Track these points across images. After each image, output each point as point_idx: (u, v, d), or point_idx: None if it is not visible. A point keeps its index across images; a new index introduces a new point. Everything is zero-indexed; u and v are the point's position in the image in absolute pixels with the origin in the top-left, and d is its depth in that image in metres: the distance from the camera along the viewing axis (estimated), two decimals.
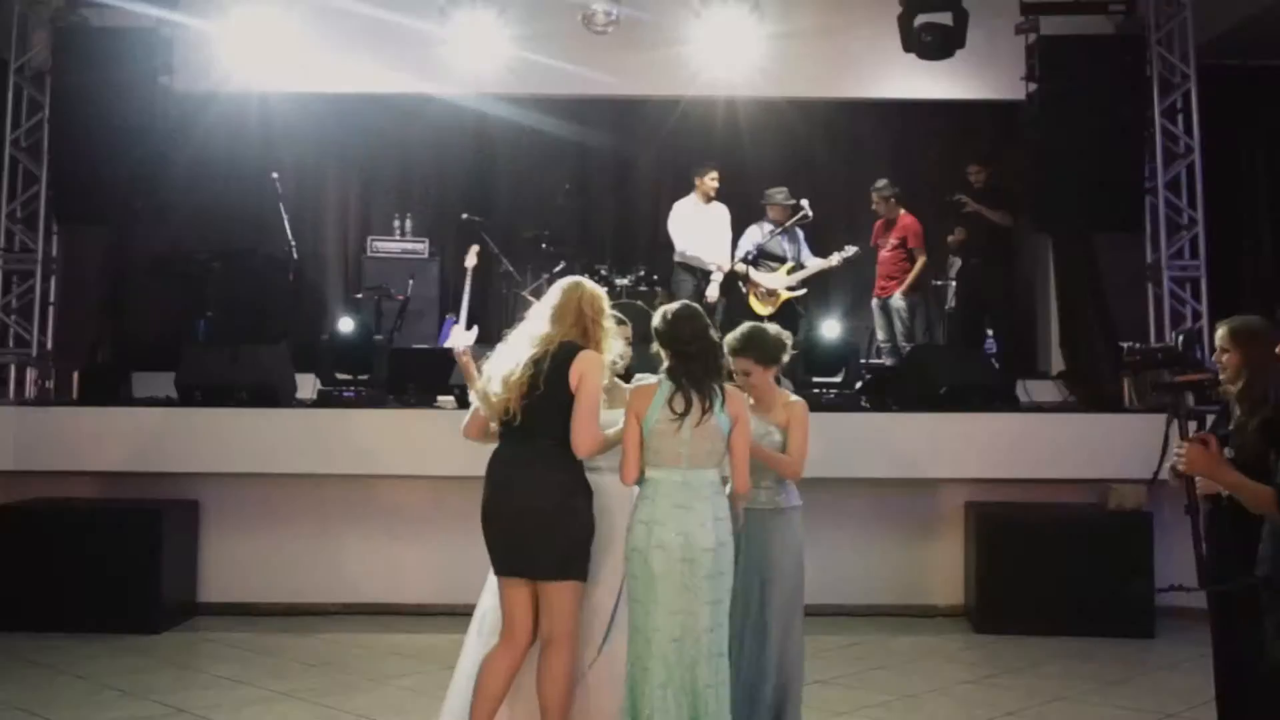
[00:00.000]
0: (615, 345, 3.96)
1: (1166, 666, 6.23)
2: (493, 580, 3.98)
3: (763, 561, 4.18)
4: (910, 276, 8.85)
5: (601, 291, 4.02)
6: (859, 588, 7.01)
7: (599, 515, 3.85)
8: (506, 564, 3.85)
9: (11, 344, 7.98)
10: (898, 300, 8.80)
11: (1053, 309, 8.98)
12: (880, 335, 8.55)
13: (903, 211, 8.86)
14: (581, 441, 3.75)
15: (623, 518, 3.84)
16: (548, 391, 3.77)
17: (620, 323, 4.13)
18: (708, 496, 3.75)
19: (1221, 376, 4.04)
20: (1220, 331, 4.06)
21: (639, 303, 8.05)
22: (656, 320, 3.91)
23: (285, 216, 8.28)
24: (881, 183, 8.97)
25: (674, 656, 3.64)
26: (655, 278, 8.81)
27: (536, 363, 3.82)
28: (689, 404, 3.72)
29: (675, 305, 3.97)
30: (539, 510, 3.76)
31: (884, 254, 9.01)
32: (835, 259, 8.67)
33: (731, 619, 3.84)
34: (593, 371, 3.79)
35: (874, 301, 9.05)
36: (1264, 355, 3.85)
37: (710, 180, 8.76)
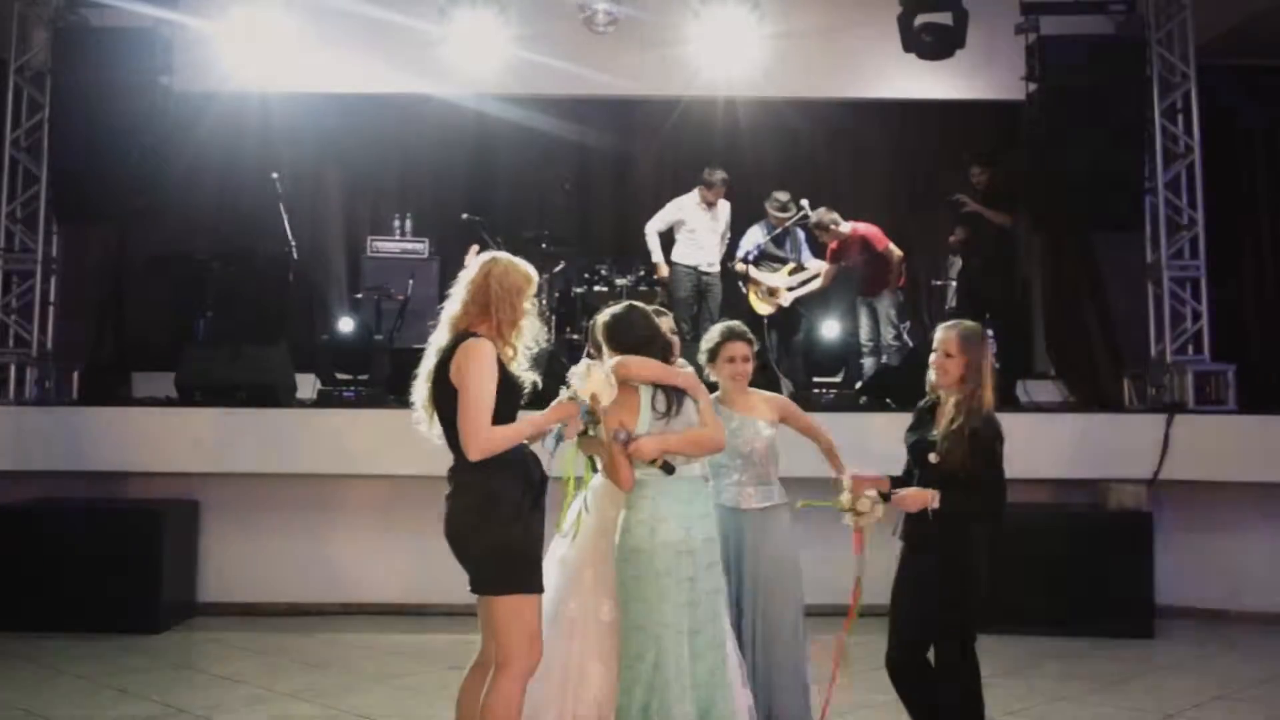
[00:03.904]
0: (528, 331, 3.65)
1: (1166, 666, 6.23)
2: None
3: (763, 560, 4.19)
4: (896, 274, 8.68)
5: (524, 267, 3.68)
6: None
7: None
8: None
9: (11, 344, 7.97)
10: (884, 301, 8.71)
11: (1052, 309, 8.98)
12: (864, 335, 8.50)
13: (850, 228, 8.56)
14: (466, 444, 3.41)
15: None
16: (441, 390, 3.52)
17: (660, 314, 4.12)
18: (698, 490, 3.78)
19: (939, 381, 4.03)
20: (945, 335, 4.04)
21: (640, 303, 8.03)
22: (606, 320, 3.90)
23: (285, 216, 8.27)
24: (815, 218, 8.51)
25: (685, 650, 3.66)
26: (655, 278, 8.80)
27: (440, 353, 3.57)
28: (670, 401, 3.74)
29: (620, 306, 3.97)
30: (450, 535, 3.53)
31: (860, 268, 8.83)
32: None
33: (736, 620, 3.86)
34: (472, 363, 3.44)
35: (859, 301, 8.94)
36: (982, 363, 3.89)
37: (714, 190, 8.69)
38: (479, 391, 3.42)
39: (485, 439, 3.41)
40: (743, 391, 4.35)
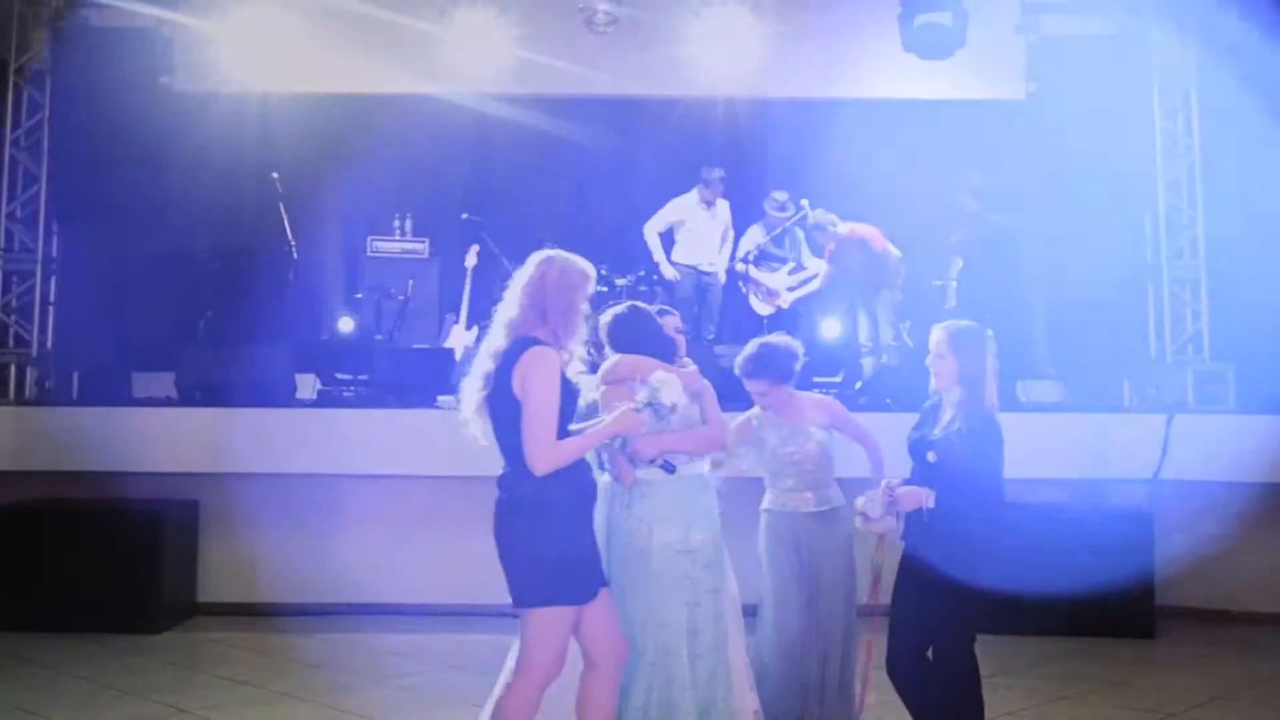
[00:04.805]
0: (583, 332, 3.56)
1: (1166, 666, 6.23)
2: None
3: (823, 564, 4.19)
4: (895, 274, 8.68)
5: (580, 263, 3.55)
6: (858, 587, 7.00)
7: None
8: None
9: (11, 344, 7.98)
10: (883, 301, 8.70)
11: (1052, 310, 8.98)
12: (863, 335, 8.50)
13: (848, 228, 8.59)
14: (532, 459, 3.34)
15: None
16: (500, 398, 3.41)
17: (665, 313, 4.10)
18: (700, 489, 3.78)
19: (935, 381, 4.04)
20: (938, 336, 4.06)
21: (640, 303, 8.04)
22: (608, 319, 3.90)
23: (285, 216, 8.27)
24: (814, 218, 8.50)
25: (685, 650, 3.66)
26: (655, 278, 8.80)
27: (497, 359, 3.45)
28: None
29: (622, 307, 3.96)
30: (500, 544, 3.50)
31: (859, 269, 8.80)
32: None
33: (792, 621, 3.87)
34: (539, 375, 3.34)
35: (858, 301, 8.94)
36: (978, 363, 3.88)
37: (712, 188, 8.70)
38: (545, 405, 3.32)
39: (551, 454, 3.33)
40: (789, 396, 4.28)
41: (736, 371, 4.33)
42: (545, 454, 3.32)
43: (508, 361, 3.39)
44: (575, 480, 3.44)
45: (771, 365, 4.25)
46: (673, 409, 3.54)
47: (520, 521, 3.40)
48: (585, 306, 3.51)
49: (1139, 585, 6.79)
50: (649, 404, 3.52)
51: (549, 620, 3.38)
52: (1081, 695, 5.54)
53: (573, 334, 3.48)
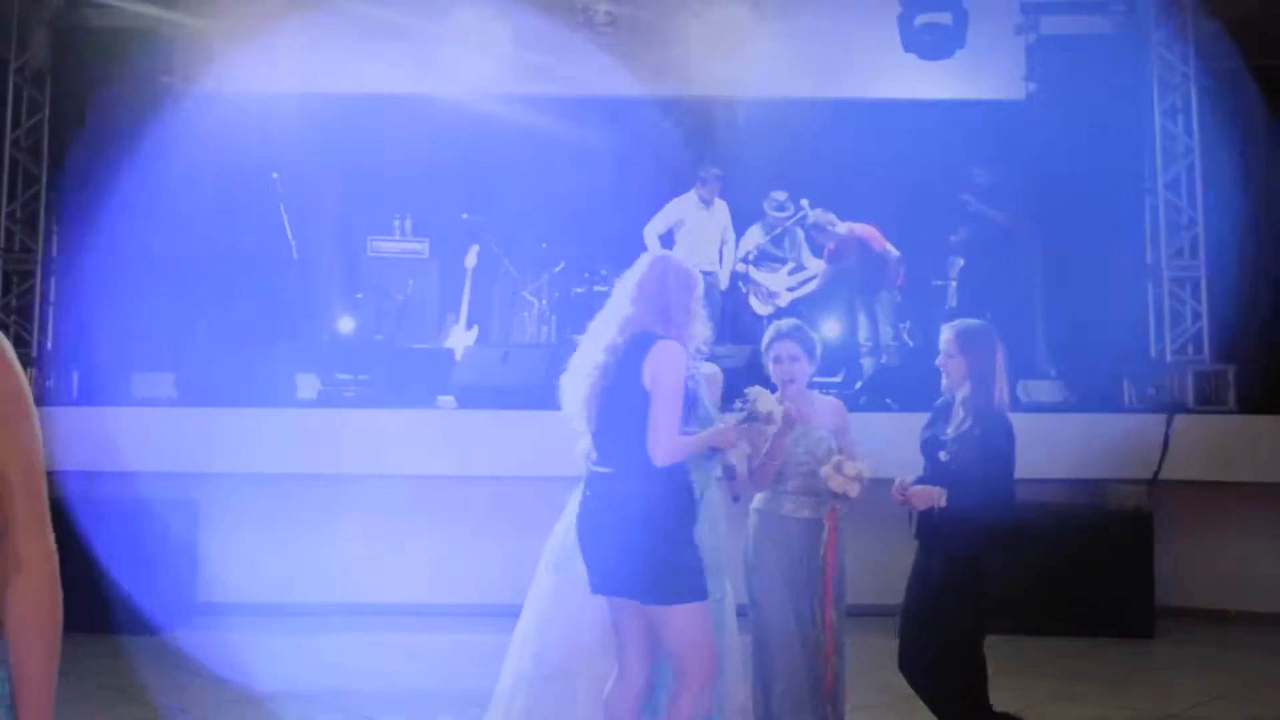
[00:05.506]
0: (700, 331, 3.58)
1: (1166, 666, 6.23)
2: None
3: (815, 567, 4.15)
4: (894, 274, 8.68)
5: (689, 265, 3.65)
6: (857, 587, 6.98)
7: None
8: None
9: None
10: (883, 301, 8.71)
11: (1052, 309, 8.98)
12: (863, 335, 8.50)
13: (847, 228, 8.57)
14: (655, 448, 3.35)
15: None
16: (623, 391, 3.42)
17: None
18: (705, 497, 3.76)
19: (945, 381, 4.05)
20: (947, 336, 4.05)
21: None
22: None
23: (285, 216, 8.27)
24: (813, 218, 8.53)
25: None
26: None
27: (614, 353, 3.47)
28: None
29: None
30: (610, 541, 3.51)
31: (858, 269, 8.81)
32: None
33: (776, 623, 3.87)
34: (671, 368, 3.39)
35: (857, 301, 8.93)
36: (987, 362, 3.88)
37: (709, 186, 8.70)
38: (674, 397, 3.38)
39: (676, 446, 3.38)
40: (799, 396, 4.09)
41: (766, 340, 4.14)
42: (671, 445, 3.36)
43: (634, 355, 3.42)
44: (686, 478, 3.49)
45: (808, 337, 4.16)
46: (769, 419, 3.59)
47: (654, 516, 3.38)
48: (700, 308, 3.58)
49: (1139, 585, 6.80)
50: (747, 416, 3.57)
51: (698, 616, 3.39)
52: (1081, 695, 5.54)
53: (693, 333, 3.53)
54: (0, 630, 1.70)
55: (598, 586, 3.47)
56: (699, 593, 3.40)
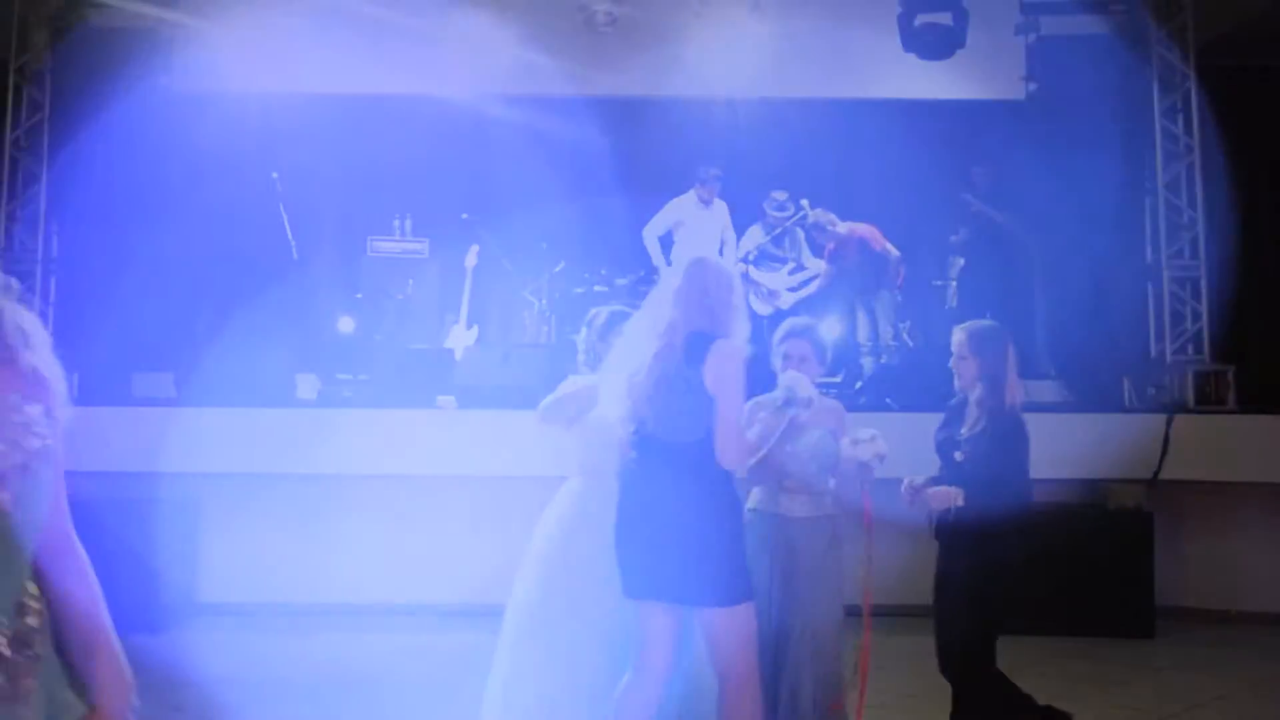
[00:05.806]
0: (744, 328, 3.56)
1: (1166, 666, 6.23)
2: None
3: (800, 571, 4.13)
4: (894, 274, 8.67)
5: (728, 266, 3.71)
6: (856, 587, 7.00)
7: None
8: None
9: None
10: (883, 301, 8.71)
11: (1052, 309, 8.98)
12: (863, 335, 8.50)
13: (847, 228, 8.53)
14: (726, 451, 3.34)
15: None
16: (683, 392, 3.38)
17: None
18: None
19: (958, 382, 4.06)
20: (958, 338, 4.06)
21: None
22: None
23: (285, 216, 8.27)
24: (813, 218, 8.50)
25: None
26: (655, 278, 8.79)
27: (665, 354, 3.43)
28: None
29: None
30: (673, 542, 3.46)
31: (858, 269, 8.80)
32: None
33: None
34: (735, 369, 3.37)
35: (857, 301, 8.93)
36: (999, 363, 3.89)
37: (708, 186, 8.70)
38: (740, 398, 3.39)
39: (744, 445, 3.41)
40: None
41: (779, 335, 4.09)
42: (743, 445, 3.39)
43: (694, 356, 3.38)
44: (732, 477, 3.48)
45: (820, 339, 4.14)
46: (808, 403, 3.63)
47: (708, 518, 3.37)
48: (742, 304, 3.61)
49: (1139, 585, 6.80)
50: (788, 401, 3.60)
51: (746, 616, 3.40)
52: (1081, 695, 5.54)
53: (737, 329, 3.52)
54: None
55: (635, 591, 3.42)
56: (749, 593, 3.42)
